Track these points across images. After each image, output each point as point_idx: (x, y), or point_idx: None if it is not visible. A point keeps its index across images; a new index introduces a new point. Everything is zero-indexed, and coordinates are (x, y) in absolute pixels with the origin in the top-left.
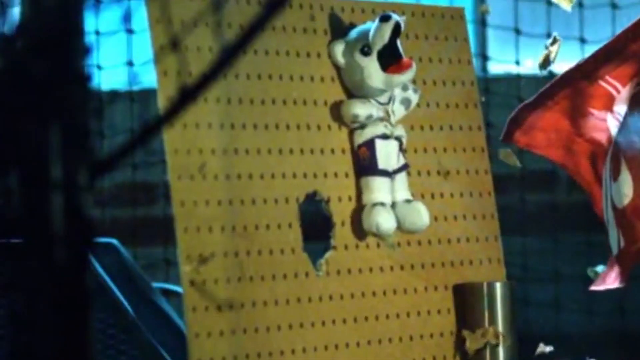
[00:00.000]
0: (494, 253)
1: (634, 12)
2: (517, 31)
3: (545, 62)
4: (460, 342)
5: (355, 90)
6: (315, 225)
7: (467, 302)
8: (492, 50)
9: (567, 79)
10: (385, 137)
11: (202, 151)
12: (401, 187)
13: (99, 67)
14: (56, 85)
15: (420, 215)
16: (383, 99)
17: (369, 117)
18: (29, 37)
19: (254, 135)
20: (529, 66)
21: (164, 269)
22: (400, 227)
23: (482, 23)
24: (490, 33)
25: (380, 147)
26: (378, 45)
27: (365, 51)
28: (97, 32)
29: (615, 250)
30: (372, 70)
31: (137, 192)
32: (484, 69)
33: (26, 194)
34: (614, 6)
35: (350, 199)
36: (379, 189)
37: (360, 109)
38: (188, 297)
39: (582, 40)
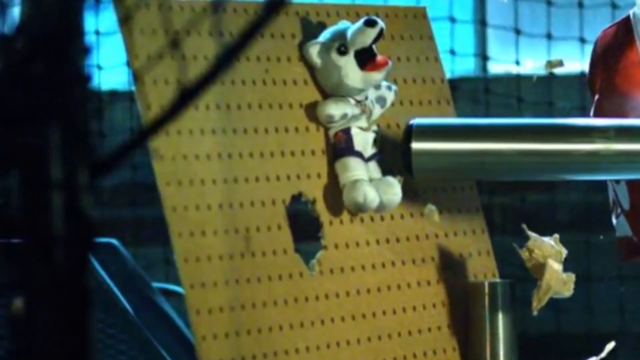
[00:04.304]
0: (483, 246)
1: None
2: (517, 31)
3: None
4: (461, 338)
5: (332, 90)
6: (304, 226)
7: (467, 300)
8: (492, 50)
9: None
10: (362, 129)
11: (186, 157)
12: (374, 170)
13: (99, 67)
14: (56, 85)
15: (393, 188)
16: (360, 97)
17: (344, 116)
18: (29, 37)
19: (235, 140)
20: (529, 66)
21: (164, 269)
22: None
23: (482, 23)
24: (490, 33)
25: (356, 132)
26: (357, 46)
27: (342, 50)
28: (97, 32)
29: (622, 233)
30: (349, 69)
31: (137, 192)
32: (484, 69)
33: (26, 194)
34: (614, 6)
35: (336, 198)
36: (356, 168)
37: (335, 109)
38: (191, 299)
39: (582, 40)
